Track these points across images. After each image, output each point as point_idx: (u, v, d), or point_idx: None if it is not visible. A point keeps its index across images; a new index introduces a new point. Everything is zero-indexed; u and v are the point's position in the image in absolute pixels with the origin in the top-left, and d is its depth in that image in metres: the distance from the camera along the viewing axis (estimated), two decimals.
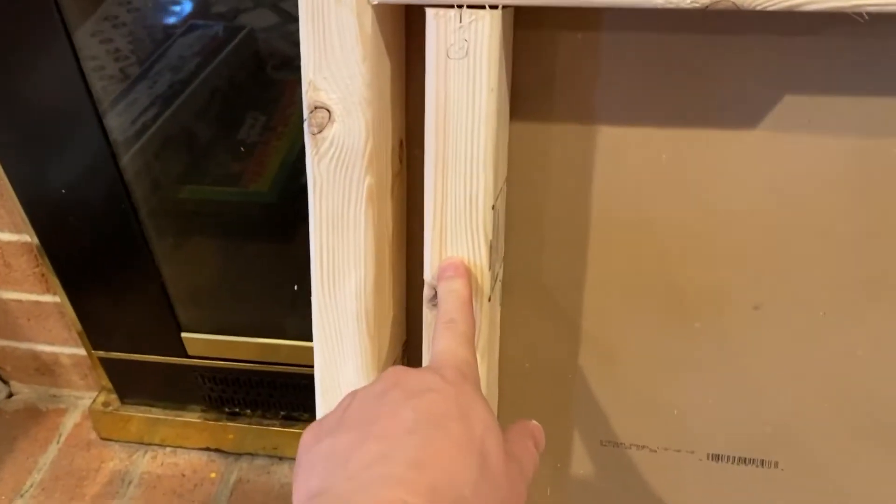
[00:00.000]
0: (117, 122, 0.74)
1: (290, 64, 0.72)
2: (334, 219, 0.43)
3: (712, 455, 0.55)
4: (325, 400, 0.47)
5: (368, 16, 0.39)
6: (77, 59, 0.69)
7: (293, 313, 0.86)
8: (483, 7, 0.37)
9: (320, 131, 0.41)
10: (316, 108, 0.41)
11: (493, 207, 0.42)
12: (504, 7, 0.38)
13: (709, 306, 0.51)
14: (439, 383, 0.30)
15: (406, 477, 0.26)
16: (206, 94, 0.75)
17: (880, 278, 0.48)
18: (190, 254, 0.84)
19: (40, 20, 0.66)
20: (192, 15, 0.71)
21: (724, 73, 0.45)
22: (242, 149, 0.77)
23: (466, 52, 0.38)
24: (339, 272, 0.44)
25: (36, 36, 0.67)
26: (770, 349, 0.51)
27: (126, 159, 0.77)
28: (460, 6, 0.38)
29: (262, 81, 0.74)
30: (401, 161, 0.48)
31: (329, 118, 0.41)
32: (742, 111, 0.46)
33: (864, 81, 0.43)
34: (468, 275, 0.41)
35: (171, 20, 0.72)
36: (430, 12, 0.38)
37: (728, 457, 0.55)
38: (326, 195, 0.42)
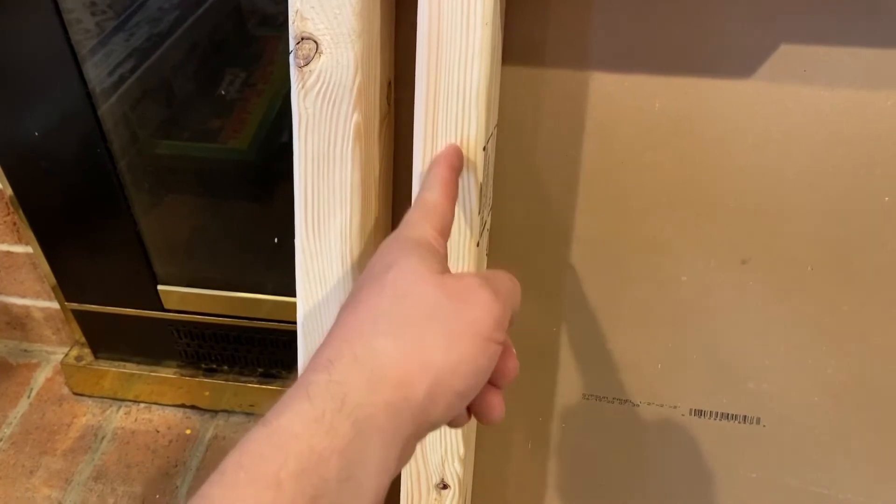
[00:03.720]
0: (96, 72, 0.72)
1: (272, 21, 0.70)
2: (320, 157, 0.42)
3: (695, 410, 0.55)
4: (307, 345, 0.46)
5: None
6: (56, 6, 0.67)
7: (272, 268, 0.85)
8: None
9: (307, 64, 0.40)
10: (303, 38, 0.39)
11: (483, 149, 0.40)
12: None
13: (696, 259, 0.51)
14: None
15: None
16: (186, 48, 0.73)
17: (869, 233, 0.48)
18: (168, 206, 0.83)
19: None
20: None
21: (720, 20, 0.44)
22: (222, 104, 0.76)
23: None
24: (324, 213, 0.43)
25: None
26: (756, 304, 0.51)
27: (104, 108, 0.75)
28: None
29: (242, 37, 0.72)
30: (389, 102, 0.47)
31: (316, 50, 0.39)
32: (737, 60, 0.45)
33: (860, 32, 0.43)
34: (459, 160, 0.39)
35: None
36: None
37: (711, 412, 0.55)
38: (312, 132, 0.41)
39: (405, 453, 0.29)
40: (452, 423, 0.33)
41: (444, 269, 0.32)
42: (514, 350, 0.33)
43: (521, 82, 0.48)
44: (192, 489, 0.89)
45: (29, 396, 1.03)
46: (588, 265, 0.52)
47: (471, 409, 0.33)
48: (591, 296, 0.53)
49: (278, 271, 0.85)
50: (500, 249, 0.52)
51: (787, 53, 0.44)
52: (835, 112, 0.45)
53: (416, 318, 0.30)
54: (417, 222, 0.35)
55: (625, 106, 0.47)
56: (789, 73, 0.45)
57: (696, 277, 0.51)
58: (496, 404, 0.33)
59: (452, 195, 0.37)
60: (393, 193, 0.50)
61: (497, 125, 0.48)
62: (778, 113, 0.46)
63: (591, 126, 0.48)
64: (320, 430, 0.27)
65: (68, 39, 0.69)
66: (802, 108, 0.45)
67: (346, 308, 0.32)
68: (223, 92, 0.75)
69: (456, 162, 0.38)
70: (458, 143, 0.40)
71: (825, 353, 0.52)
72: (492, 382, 0.32)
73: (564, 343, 0.55)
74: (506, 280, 0.33)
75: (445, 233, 0.35)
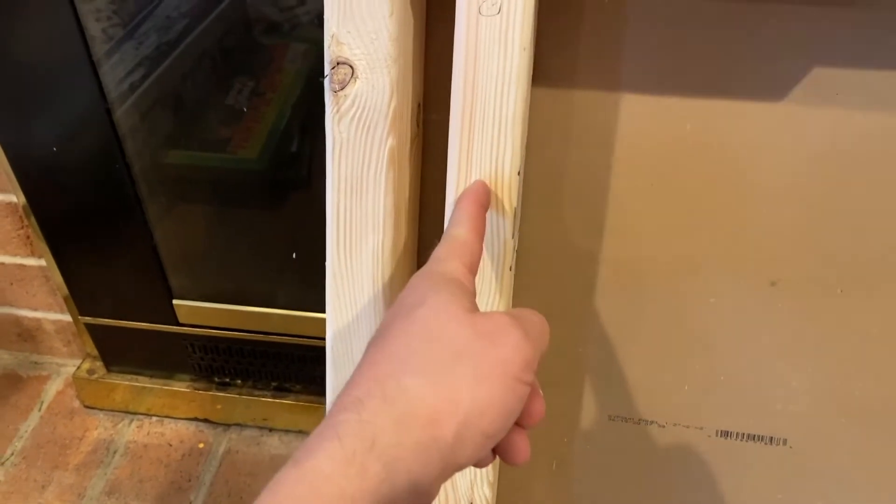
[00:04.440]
0: (111, 79, 0.72)
1: (279, 29, 0.70)
2: (353, 181, 0.41)
3: (721, 432, 0.55)
4: (337, 370, 0.45)
5: None
6: (75, 13, 0.66)
7: (287, 282, 0.84)
8: None
9: (342, 88, 0.39)
10: (338, 63, 0.39)
11: (518, 173, 0.40)
12: None
13: (725, 281, 0.50)
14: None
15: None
16: (195, 57, 0.73)
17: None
18: (182, 218, 0.82)
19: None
20: None
21: (753, 42, 0.44)
22: (231, 113, 0.75)
23: (499, 9, 0.37)
24: (357, 236, 0.42)
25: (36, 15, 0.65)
26: (785, 326, 0.51)
27: (119, 118, 0.74)
28: None
29: (250, 46, 0.72)
30: (418, 125, 0.47)
31: (352, 75, 0.39)
32: (769, 82, 0.45)
33: (893, 56, 0.43)
34: (486, 196, 0.39)
35: None
36: None
37: (737, 434, 0.54)
38: (346, 156, 0.41)
39: (430, 495, 0.29)
40: (478, 464, 0.33)
41: (474, 307, 0.32)
42: (541, 391, 0.33)
43: (551, 104, 0.47)
44: None
45: (40, 409, 1.02)
46: (615, 286, 0.52)
47: (496, 450, 0.33)
48: (618, 317, 0.53)
49: (292, 284, 0.85)
50: (526, 271, 0.51)
51: (819, 76, 0.44)
52: (867, 135, 0.45)
53: (446, 356, 0.30)
54: (447, 258, 0.34)
55: (655, 128, 0.47)
56: (822, 96, 0.44)
57: (724, 299, 0.51)
58: (522, 446, 0.33)
59: (481, 231, 0.37)
60: (420, 215, 0.50)
61: (525, 147, 0.48)
62: (810, 136, 0.45)
63: (620, 149, 0.48)
64: (351, 472, 0.26)
65: (86, 45, 0.69)
66: (834, 131, 0.45)
67: (375, 344, 0.31)
68: (232, 102, 0.75)
69: (483, 198, 0.38)
70: (494, 168, 0.40)
71: (853, 376, 0.51)
72: (518, 423, 0.32)
73: (590, 364, 0.55)
74: (536, 320, 0.33)
75: (474, 269, 0.35)
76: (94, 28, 0.69)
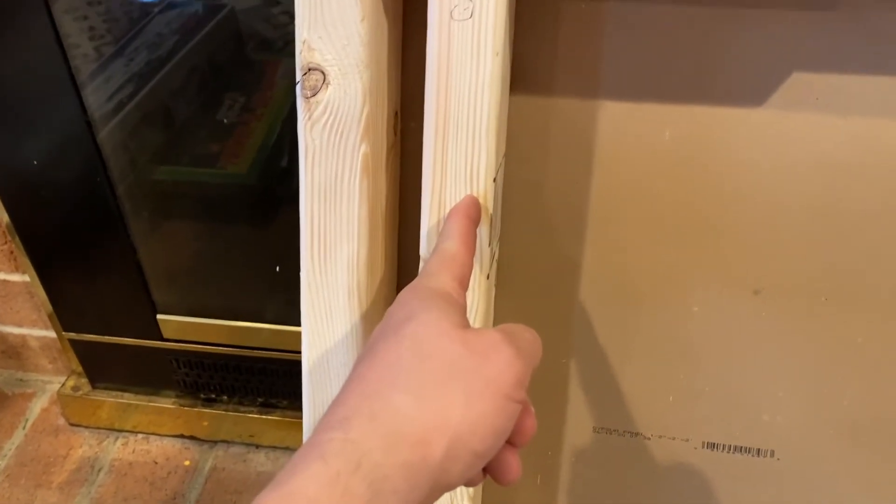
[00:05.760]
0: (94, 98, 0.72)
1: (271, 45, 0.70)
2: (326, 189, 0.41)
3: (707, 443, 0.54)
4: (312, 380, 0.44)
5: None
6: (56, 34, 0.66)
7: (272, 296, 0.84)
8: None
9: (314, 94, 0.39)
10: (310, 69, 0.39)
11: (493, 180, 0.40)
12: None
13: (708, 290, 0.50)
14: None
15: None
16: (185, 73, 0.73)
17: (884, 263, 0.47)
18: (167, 233, 0.82)
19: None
20: None
21: (732, 48, 0.43)
22: (221, 129, 0.75)
23: (471, 14, 0.36)
24: (331, 245, 0.42)
25: (12, 8, 0.64)
26: (769, 335, 0.50)
27: (103, 135, 0.74)
28: None
29: (241, 62, 0.72)
30: (395, 133, 0.46)
31: (323, 81, 0.39)
32: (748, 88, 0.44)
33: (876, 60, 0.42)
34: (476, 211, 0.39)
35: None
36: None
37: (723, 446, 0.53)
38: (319, 164, 0.40)
39: None
40: (468, 483, 0.32)
41: (465, 323, 0.32)
42: (532, 408, 0.32)
43: (529, 111, 0.47)
44: None
45: (24, 427, 1.01)
46: (597, 295, 0.51)
47: (486, 469, 0.32)
48: (601, 327, 0.52)
49: (278, 299, 0.84)
50: (508, 280, 0.51)
51: (799, 81, 0.44)
52: (848, 140, 0.44)
53: (436, 374, 0.29)
54: (437, 272, 0.34)
55: (634, 135, 0.46)
56: (802, 102, 0.44)
57: (707, 308, 0.50)
58: (513, 464, 0.32)
59: (471, 245, 0.36)
60: (399, 224, 0.50)
61: (505, 154, 0.48)
62: (790, 141, 0.45)
63: (599, 155, 0.47)
64: (335, 493, 0.26)
65: (68, 65, 0.68)
66: (815, 137, 0.45)
67: (364, 361, 0.31)
68: (223, 117, 0.75)
69: (474, 212, 0.38)
70: (469, 175, 0.39)
71: (840, 385, 0.51)
72: (509, 441, 0.31)
73: (574, 375, 0.54)
74: (528, 336, 0.33)
75: (465, 283, 0.35)
76: (85, 46, 0.69)
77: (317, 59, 0.38)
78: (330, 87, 0.39)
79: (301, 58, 0.39)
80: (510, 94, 0.46)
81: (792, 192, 0.46)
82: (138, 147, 0.77)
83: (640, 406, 0.54)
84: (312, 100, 0.39)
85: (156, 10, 0.70)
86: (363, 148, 0.40)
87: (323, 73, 0.39)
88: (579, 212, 0.49)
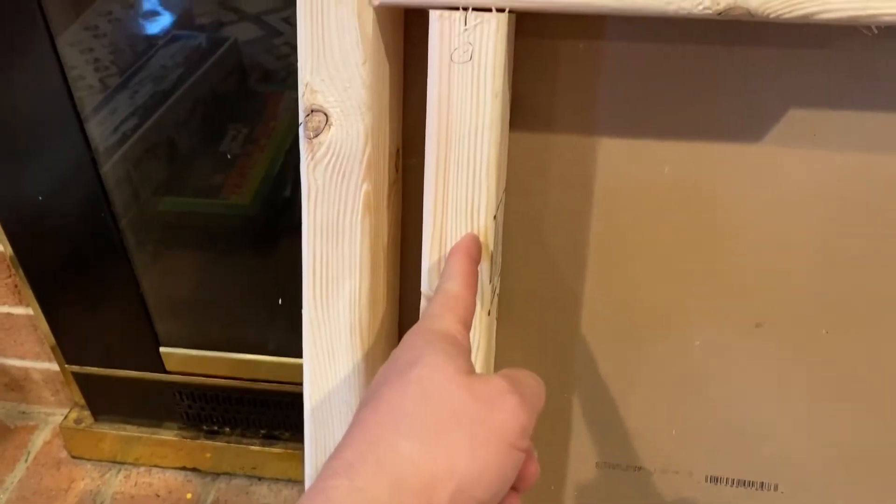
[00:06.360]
0: (98, 131, 0.73)
1: (274, 76, 0.71)
2: (329, 228, 0.41)
3: (711, 477, 0.53)
4: (315, 418, 0.44)
5: (370, 17, 0.38)
6: (60, 66, 0.67)
7: (275, 328, 0.84)
8: (489, 10, 0.36)
9: (316, 136, 0.39)
10: (312, 111, 0.39)
11: (494, 217, 0.40)
12: (510, 11, 0.37)
13: (709, 323, 0.50)
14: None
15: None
16: (188, 105, 0.74)
17: (885, 296, 0.47)
18: (169, 266, 0.82)
19: (24, 27, 0.64)
20: (174, 26, 0.69)
21: (729, 85, 0.44)
22: (224, 160, 0.76)
23: (471, 56, 0.37)
24: (333, 283, 0.42)
25: (18, 41, 0.65)
26: (771, 368, 0.50)
27: (106, 168, 0.75)
28: (465, 8, 0.36)
29: (244, 93, 0.73)
30: (397, 170, 0.47)
31: (326, 122, 0.39)
32: (746, 124, 0.45)
33: (870, 96, 0.43)
34: (477, 250, 0.39)
35: (153, 31, 0.70)
36: (433, 14, 0.37)
37: (727, 479, 0.53)
38: (321, 203, 0.41)
39: None
40: None
41: (470, 367, 0.32)
42: (535, 454, 0.32)
43: (528, 148, 0.47)
44: None
45: (27, 460, 1.01)
46: (599, 330, 0.51)
47: None
48: (603, 361, 0.52)
49: (280, 331, 0.84)
50: (509, 315, 0.51)
51: (796, 117, 0.44)
52: (847, 176, 0.45)
53: (441, 420, 0.29)
54: (441, 314, 0.34)
55: (633, 171, 0.47)
56: (799, 138, 0.44)
57: (709, 342, 0.50)
58: None
59: (473, 286, 0.36)
60: (402, 261, 0.50)
61: (505, 190, 0.48)
62: (789, 176, 0.45)
63: (599, 191, 0.48)
64: None
65: (71, 98, 0.69)
66: (814, 172, 0.45)
67: (368, 405, 0.31)
68: (226, 148, 0.76)
69: (474, 251, 0.38)
70: (469, 213, 0.40)
71: (844, 419, 0.51)
72: (512, 487, 0.31)
73: (576, 410, 0.54)
74: (532, 383, 0.33)
75: (468, 325, 0.35)
76: (90, 77, 0.70)
77: (319, 101, 0.39)
78: (332, 129, 0.39)
79: (304, 100, 0.39)
80: (510, 130, 0.47)
81: (791, 226, 0.46)
82: (141, 179, 0.77)
83: (642, 440, 0.54)
84: (315, 140, 0.40)
85: (160, 42, 0.71)
86: (365, 187, 0.40)
87: (325, 114, 0.39)
88: (580, 246, 0.50)
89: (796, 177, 0.45)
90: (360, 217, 0.41)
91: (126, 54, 0.71)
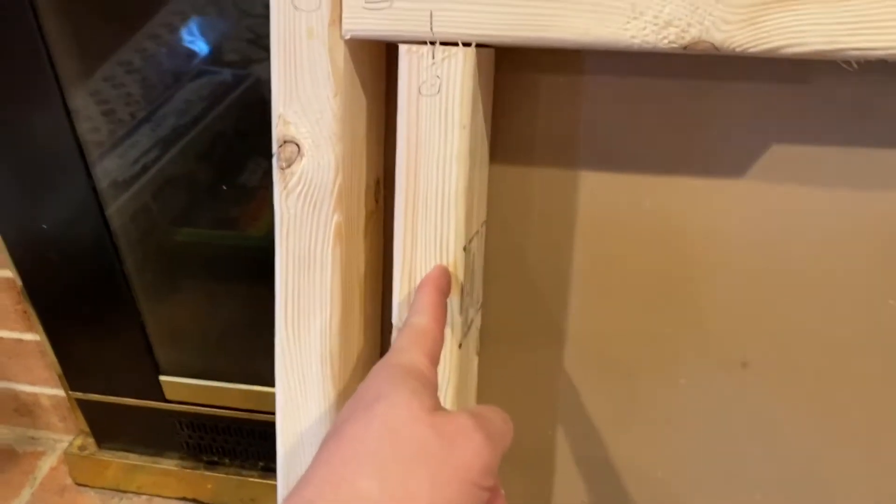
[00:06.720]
0: (104, 166, 0.74)
1: None
2: (300, 257, 0.41)
3: None
4: (286, 447, 0.44)
5: (341, 51, 0.38)
6: (67, 111, 0.69)
7: (273, 360, 0.84)
8: (456, 44, 0.37)
9: (289, 166, 0.40)
10: (285, 142, 0.40)
11: (464, 248, 0.40)
12: (478, 45, 0.37)
13: (694, 361, 0.49)
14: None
15: None
16: (208, 139, 0.75)
17: (877, 338, 0.46)
18: (172, 297, 0.83)
19: (35, 76, 0.67)
20: (201, 62, 0.70)
21: (710, 119, 0.44)
22: (243, 192, 0.77)
23: (438, 89, 0.37)
24: (304, 313, 0.42)
25: (28, 87, 0.67)
26: (760, 409, 0.49)
27: (111, 205, 0.76)
28: (433, 43, 0.37)
29: (265, 128, 0.74)
30: (376, 200, 0.47)
31: (298, 153, 0.40)
32: (728, 160, 0.44)
33: (852, 132, 0.42)
34: (446, 283, 0.39)
35: (181, 69, 0.72)
36: (402, 48, 0.37)
37: None
38: (293, 232, 0.41)
39: None
40: None
41: (436, 403, 0.31)
42: (502, 492, 0.32)
43: (511, 180, 0.47)
44: None
45: (32, 486, 1.01)
46: (583, 366, 0.51)
47: None
48: (587, 398, 0.51)
49: None
50: (491, 350, 0.50)
51: (778, 153, 0.44)
52: (831, 212, 0.44)
53: (403, 458, 0.29)
54: (407, 348, 0.34)
55: (613, 204, 0.46)
56: (782, 173, 0.44)
57: (694, 380, 0.49)
58: None
59: (442, 319, 0.36)
60: (383, 290, 0.50)
61: (486, 223, 0.48)
62: (772, 212, 0.45)
63: (581, 224, 0.48)
64: None
65: (76, 137, 0.71)
66: (797, 208, 0.44)
67: (331, 440, 0.30)
68: (244, 181, 0.76)
69: (443, 284, 0.38)
70: (438, 244, 0.40)
71: (839, 463, 0.49)
72: None
73: (561, 447, 0.53)
74: (498, 420, 0.32)
75: (436, 359, 0.35)
76: (88, 119, 0.71)
77: (292, 132, 0.39)
78: (304, 159, 0.40)
79: (277, 131, 0.40)
80: (491, 163, 0.47)
81: (777, 263, 0.46)
82: (158, 211, 0.78)
83: (628, 479, 0.52)
84: (287, 171, 0.40)
85: (185, 79, 0.72)
86: (336, 217, 0.40)
87: (298, 145, 0.40)
88: (563, 280, 0.49)
89: (779, 213, 0.45)
90: (331, 247, 0.41)
91: (152, 90, 0.72)
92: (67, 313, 0.84)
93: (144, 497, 0.98)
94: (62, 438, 1.06)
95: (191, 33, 0.69)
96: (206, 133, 0.75)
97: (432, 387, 0.33)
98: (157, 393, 0.86)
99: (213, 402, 0.86)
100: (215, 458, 0.93)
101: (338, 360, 0.42)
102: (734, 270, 0.46)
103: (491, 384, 0.52)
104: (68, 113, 0.68)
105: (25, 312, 0.90)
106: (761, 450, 0.49)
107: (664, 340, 0.49)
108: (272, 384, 0.84)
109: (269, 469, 0.92)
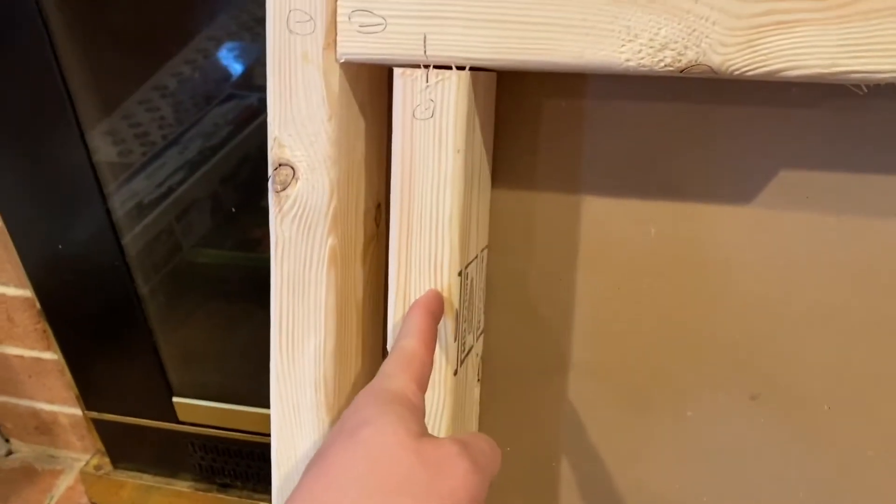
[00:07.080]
0: (119, 194, 0.75)
1: None
2: (295, 281, 0.41)
3: None
4: (280, 472, 0.44)
5: (336, 74, 0.38)
6: (84, 142, 0.70)
7: None
8: (450, 68, 0.36)
9: (284, 189, 0.40)
10: (280, 165, 0.40)
11: (459, 273, 0.39)
12: (473, 69, 0.37)
13: (701, 393, 0.47)
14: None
15: None
16: (234, 162, 0.75)
17: (888, 368, 0.44)
18: (186, 318, 0.83)
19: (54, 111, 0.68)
20: (228, 86, 0.71)
21: (718, 144, 0.43)
22: (266, 214, 0.77)
23: (432, 113, 0.37)
24: (298, 337, 0.42)
25: (48, 112, 0.69)
26: (770, 444, 0.47)
27: (126, 234, 0.77)
28: (427, 67, 0.37)
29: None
30: (377, 224, 0.46)
31: (293, 176, 0.39)
32: (736, 185, 0.43)
33: (862, 158, 0.41)
34: (438, 306, 0.38)
35: (208, 94, 0.72)
36: (396, 72, 0.37)
37: None
38: (288, 255, 0.41)
39: None
40: None
41: (422, 430, 0.31)
42: None
43: (513, 205, 0.47)
44: None
45: None
46: (587, 396, 0.49)
47: None
48: (592, 429, 0.50)
49: None
50: (494, 378, 0.50)
51: (787, 179, 0.43)
52: (842, 239, 0.43)
53: (387, 486, 0.28)
54: (395, 373, 0.33)
55: (618, 231, 0.46)
56: (791, 200, 0.43)
57: (702, 413, 0.48)
58: None
59: (431, 343, 0.35)
60: (385, 315, 0.49)
61: (488, 248, 0.47)
62: (781, 240, 0.44)
63: (584, 251, 0.47)
64: None
65: (93, 167, 0.72)
66: (807, 236, 0.43)
67: (315, 465, 0.30)
68: (267, 203, 0.77)
69: (435, 308, 0.37)
70: (433, 269, 0.39)
71: (850, 496, 0.47)
72: None
73: (565, 480, 0.51)
74: (485, 447, 0.31)
75: (424, 384, 0.34)
76: (101, 149, 0.73)
77: (287, 155, 0.39)
78: (299, 182, 0.40)
79: (272, 154, 0.40)
80: (493, 187, 0.47)
81: (785, 292, 0.44)
82: (178, 232, 0.79)
83: None
84: (282, 194, 0.40)
85: (213, 103, 0.73)
86: (331, 241, 0.40)
87: (293, 168, 0.39)
88: (566, 307, 0.48)
89: (787, 240, 0.43)
90: (325, 271, 0.40)
91: (184, 113, 0.73)
92: (83, 334, 0.84)
93: None
94: (80, 457, 1.07)
95: (221, 58, 0.70)
96: (231, 156, 0.76)
97: (419, 412, 0.32)
98: (171, 414, 0.86)
99: (226, 424, 0.86)
100: (228, 481, 0.93)
101: (332, 384, 0.42)
102: (741, 299, 0.45)
103: (494, 413, 0.51)
104: (83, 134, 0.70)
105: (45, 332, 0.92)
106: (770, 483, 0.48)
107: (671, 370, 0.47)
108: None
109: None
